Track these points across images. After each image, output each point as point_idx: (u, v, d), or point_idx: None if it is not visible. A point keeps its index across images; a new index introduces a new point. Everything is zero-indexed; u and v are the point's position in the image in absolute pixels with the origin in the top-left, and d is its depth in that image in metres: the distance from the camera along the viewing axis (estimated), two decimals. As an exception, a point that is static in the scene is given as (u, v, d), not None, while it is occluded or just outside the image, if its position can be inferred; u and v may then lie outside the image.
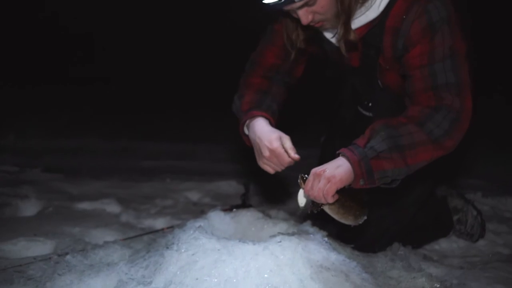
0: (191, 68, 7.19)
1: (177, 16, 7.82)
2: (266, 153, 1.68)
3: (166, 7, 7.80)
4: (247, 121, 1.80)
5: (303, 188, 1.58)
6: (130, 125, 5.36)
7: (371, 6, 1.65)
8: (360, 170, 1.51)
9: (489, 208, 2.87)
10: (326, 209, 1.58)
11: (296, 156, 1.66)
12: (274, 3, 1.54)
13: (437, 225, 2.33)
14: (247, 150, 1.86)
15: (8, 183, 3.02)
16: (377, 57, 1.75)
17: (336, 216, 1.60)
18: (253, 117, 1.78)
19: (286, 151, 1.67)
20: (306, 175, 1.57)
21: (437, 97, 1.58)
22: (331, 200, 1.53)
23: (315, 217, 1.74)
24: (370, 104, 1.97)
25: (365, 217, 1.62)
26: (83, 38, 7.32)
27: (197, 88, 6.73)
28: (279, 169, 1.71)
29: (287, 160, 1.66)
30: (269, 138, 1.68)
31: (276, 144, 1.66)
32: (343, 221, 1.61)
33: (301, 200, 1.64)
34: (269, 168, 1.73)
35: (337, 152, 1.56)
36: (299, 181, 1.58)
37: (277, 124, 1.82)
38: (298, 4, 1.56)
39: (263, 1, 1.54)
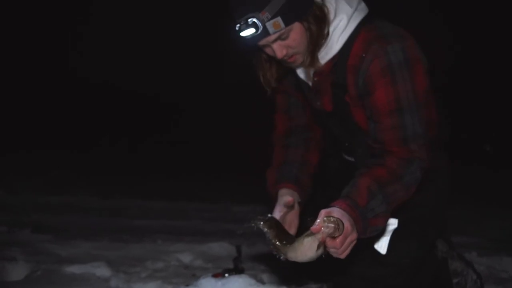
0: (185, 132, 7.31)
1: (166, 75, 8.00)
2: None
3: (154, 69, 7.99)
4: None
5: (333, 249, 1.42)
6: (121, 184, 5.35)
7: (330, 45, 1.73)
8: (359, 228, 1.54)
9: (485, 268, 2.83)
10: None
11: None
12: (250, 36, 1.61)
13: (436, 288, 2.28)
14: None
15: (-4, 245, 2.95)
16: (344, 95, 1.80)
17: None
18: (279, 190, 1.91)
19: None
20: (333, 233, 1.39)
21: (408, 149, 1.68)
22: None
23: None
24: (350, 148, 1.99)
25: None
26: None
27: (190, 150, 6.81)
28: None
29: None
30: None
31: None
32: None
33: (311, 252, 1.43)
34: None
35: (337, 206, 1.52)
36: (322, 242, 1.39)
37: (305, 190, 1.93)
38: (273, 36, 1.63)
39: (240, 34, 1.62)
